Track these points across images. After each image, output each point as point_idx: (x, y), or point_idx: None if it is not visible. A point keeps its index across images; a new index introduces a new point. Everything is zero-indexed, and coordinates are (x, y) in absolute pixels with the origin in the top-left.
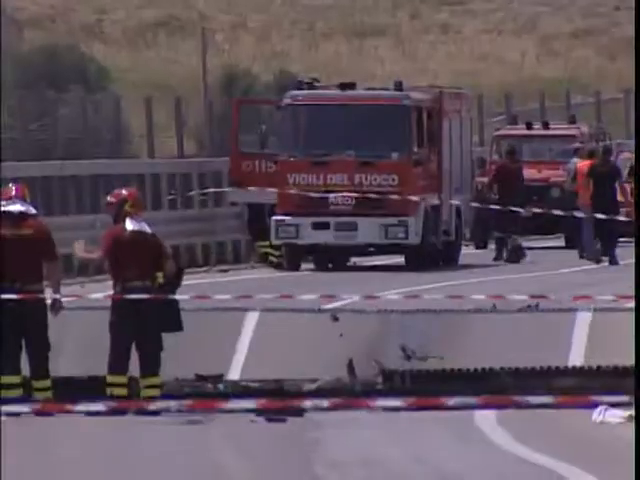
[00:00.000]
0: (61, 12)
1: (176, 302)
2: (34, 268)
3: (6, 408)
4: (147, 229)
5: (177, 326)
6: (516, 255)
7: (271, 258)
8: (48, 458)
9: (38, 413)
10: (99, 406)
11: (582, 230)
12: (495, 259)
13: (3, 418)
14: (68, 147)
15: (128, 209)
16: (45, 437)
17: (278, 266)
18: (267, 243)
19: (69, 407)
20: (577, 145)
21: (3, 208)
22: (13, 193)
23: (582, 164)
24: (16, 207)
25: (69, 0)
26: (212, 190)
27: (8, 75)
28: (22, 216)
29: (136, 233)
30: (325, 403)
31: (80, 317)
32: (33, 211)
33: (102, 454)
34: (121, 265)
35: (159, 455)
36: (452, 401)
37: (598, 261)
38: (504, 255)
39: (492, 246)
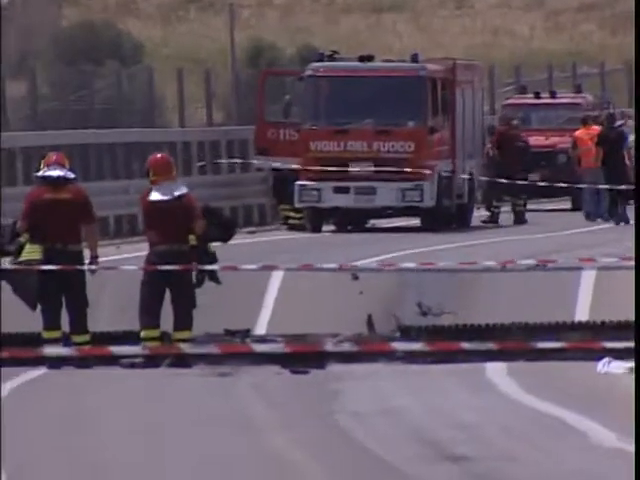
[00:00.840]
0: None
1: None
2: (73, 230)
3: (50, 352)
4: (175, 193)
5: (215, 279)
6: (519, 219)
7: (292, 220)
8: (81, 405)
9: (80, 358)
10: (135, 349)
11: (584, 194)
12: (484, 222)
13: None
14: (104, 117)
15: (152, 178)
16: (82, 386)
17: (299, 228)
18: (288, 207)
19: (107, 350)
20: (584, 114)
21: (44, 173)
22: (53, 159)
23: (580, 131)
24: (56, 172)
25: None
26: (238, 161)
27: (49, 50)
28: (61, 181)
29: (160, 202)
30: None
31: (116, 276)
32: (72, 176)
33: (135, 404)
34: (150, 231)
35: (188, 403)
36: (467, 345)
37: (594, 220)
38: (498, 220)
39: (503, 208)
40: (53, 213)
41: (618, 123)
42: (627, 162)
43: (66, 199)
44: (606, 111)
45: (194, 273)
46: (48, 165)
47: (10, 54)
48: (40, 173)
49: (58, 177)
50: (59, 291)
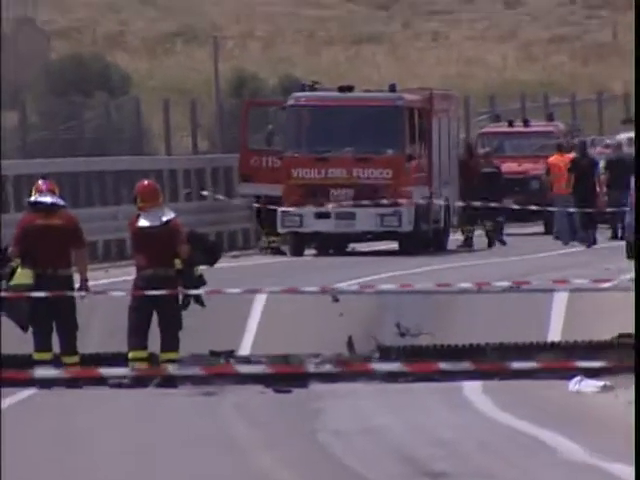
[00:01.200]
0: (86, 24)
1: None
2: (63, 255)
3: (41, 374)
4: (162, 219)
5: (200, 302)
6: (491, 242)
7: (273, 244)
8: (71, 425)
9: (70, 379)
10: (123, 370)
11: (555, 218)
12: (460, 246)
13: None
14: (93, 146)
15: (140, 204)
16: (72, 406)
17: (276, 251)
18: (268, 231)
19: (96, 372)
20: (559, 141)
21: (36, 199)
22: (43, 188)
23: (554, 158)
24: (46, 199)
25: (94, 13)
26: (221, 197)
27: (39, 81)
28: (52, 207)
29: (147, 228)
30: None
31: (105, 300)
32: (62, 203)
33: (124, 423)
34: (137, 255)
35: (176, 423)
36: (443, 365)
37: (566, 244)
38: (472, 244)
39: (477, 232)
40: (44, 239)
41: (592, 151)
42: (597, 189)
43: (57, 225)
44: (578, 139)
45: (180, 296)
46: (39, 192)
47: (3, 86)
48: (32, 199)
49: (50, 204)
50: (50, 314)
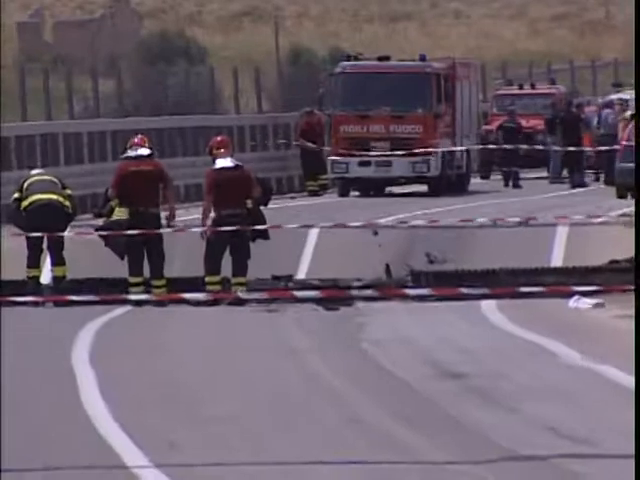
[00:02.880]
0: (171, 5)
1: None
2: (153, 196)
3: (134, 297)
4: (233, 163)
5: (265, 236)
6: (517, 183)
7: (311, 188)
8: (159, 335)
9: (157, 303)
10: (201, 295)
11: (550, 162)
12: (505, 185)
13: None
14: (175, 107)
15: (215, 152)
16: (159, 320)
17: (317, 193)
18: (312, 178)
19: (179, 296)
20: (554, 100)
21: (130, 153)
22: (136, 141)
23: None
24: (140, 151)
25: None
26: (283, 141)
27: (132, 53)
28: (143, 157)
29: (224, 170)
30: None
31: (186, 234)
32: (149, 152)
33: (200, 333)
34: (215, 197)
35: (244, 333)
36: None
37: (562, 182)
38: (510, 183)
39: (493, 176)
40: (137, 182)
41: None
42: (584, 139)
43: (147, 170)
44: (575, 99)
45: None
46: (132, 145)
47: (102, 57)
48: (129, 153)
49: (141, 155)
50: (142, 245)
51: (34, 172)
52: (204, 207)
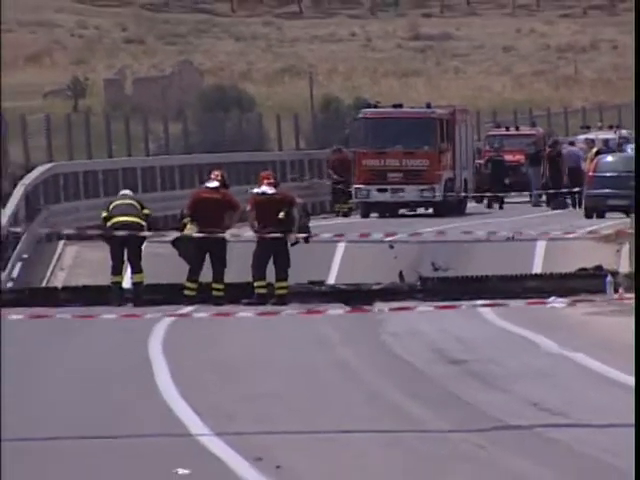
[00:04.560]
0: (226, 65)
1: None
2: (218, 219)
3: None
4: (275, 190)
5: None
6: (502, 206)
7: (339, 210)
8: (213, 329)
9: (215, 302)
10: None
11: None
12: (487, 207)
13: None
14: (230, 145)
15: (261, 182)
16: (217, 319)
17: (346, 215)
18: (341, 202)
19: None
20: (534, 139)
21: (207, 184)
22: (212, 176)
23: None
24: (210, 183)
25: (231, 57)
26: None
27: (195, 103)
28: (216, 188)
29: (266, 194)
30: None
31: (240, 246)
32: (216, 185)
33: (248, 327)
34: (258, 217)
35: (283, 328)
36: (464, 305)
37: (541, 205)
38: (494, 206)
39: (485, 201)
40: (207, 207)
41: (561, 146)
42: (565, 174)
43: (216, 198)
44: (552, 138)
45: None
46: (209, 178)
47: (171, 106)
48: (207, 184)
49: (215, 186)
50: (204, 254)
51: (122, 193)
52: (250, 222)
